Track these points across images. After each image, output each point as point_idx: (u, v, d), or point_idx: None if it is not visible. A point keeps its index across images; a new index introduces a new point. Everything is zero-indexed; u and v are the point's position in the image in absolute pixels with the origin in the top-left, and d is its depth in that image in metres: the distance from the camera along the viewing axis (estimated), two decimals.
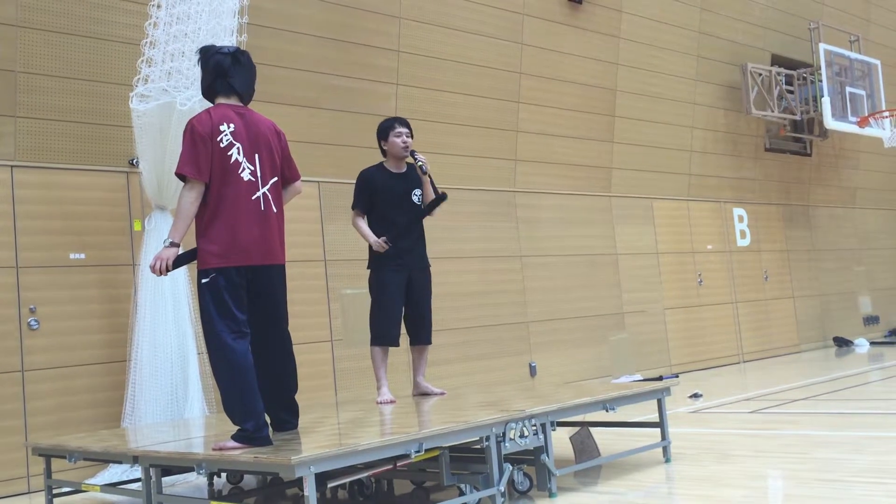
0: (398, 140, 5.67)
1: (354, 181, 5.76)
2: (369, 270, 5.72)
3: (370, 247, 5.66)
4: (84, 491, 5.21)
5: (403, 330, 5.75)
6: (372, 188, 5.66)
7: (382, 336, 5.65)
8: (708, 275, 11.96)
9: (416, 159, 5.62)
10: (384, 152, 5.77)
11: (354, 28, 8.28)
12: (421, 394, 5.88)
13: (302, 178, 4.58)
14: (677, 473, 4.91)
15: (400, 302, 5.67)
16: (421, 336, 5.79)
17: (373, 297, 5.70)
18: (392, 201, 5.66)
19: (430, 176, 5.67)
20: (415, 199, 5.69)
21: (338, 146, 8.11)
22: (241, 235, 4.11)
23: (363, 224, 5.68)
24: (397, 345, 5.69)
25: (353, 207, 5.72)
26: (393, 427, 4.50)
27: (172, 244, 4.10)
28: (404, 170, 5.74)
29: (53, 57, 6.49)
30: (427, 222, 5.88)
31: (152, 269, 4.10)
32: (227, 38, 6.24)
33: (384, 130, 5.74)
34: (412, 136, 5.76)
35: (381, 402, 5.62)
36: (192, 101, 6.02)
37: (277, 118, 4.79)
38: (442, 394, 5.86)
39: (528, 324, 9.59)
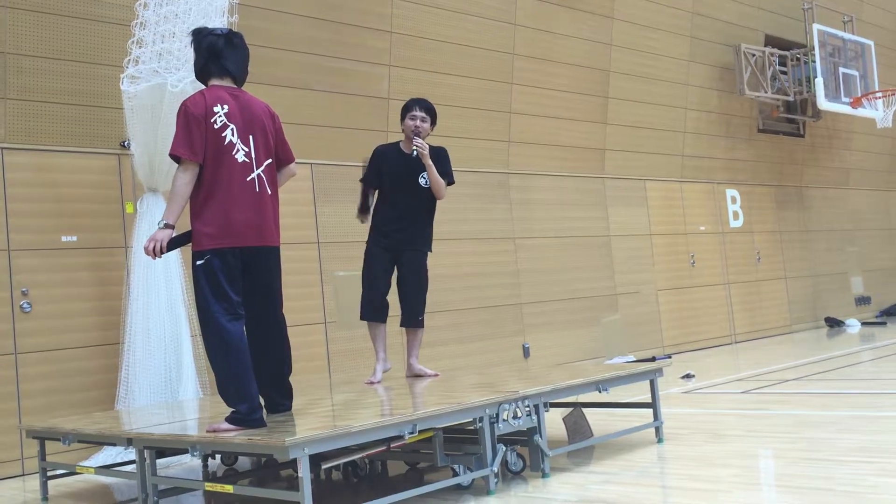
0: (411, 123, 5.69)
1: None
2: (365, 245, 5.82)
3: (371, 223, 5.78)
4: (78, 473, 5.23)
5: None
6: (380, 164, 5.71)
7: (363, 311, 5.73)
8: (700, 256, 11.99)
9: (413, 143, 5.60)
10: (403, 131, 5.80)
11: (346, 9, 8.22)
12: (414, 375, 5.90)
13: (295, 161, 4.57)
14: (669, 453, 4.95)
15: (381, 279, 5.70)
16: (409, 318, 5.80)
17: (362, 272, 5.80)
18: (397, 180, 5.68)
19: (445, 164, 5.71)
20: (422, 182, 5.67)
21: (330, 128, 8.08)
22: (235, 217, 4.09)
23: (363, 191, 5.78)
24: (376, 320, 5.72)
25: (361, 181, 5.82)
26: (386, 409, 4.52)
27: (167, 226, 4.09)
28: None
29: (43, 38, 6.44)
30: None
31: (146, 250, 4.09)
32: (217, 19, 6.20)
33: (403, 110, 5.78)
34: (433, 122, 5.76)
35: (366, 383, 5.69)
36: (184, 83, 5.99)
37: (269, 99, 4.77)
38: (435, 375, 5.88)
39: (521, 305, 9.61)
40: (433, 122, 5.76)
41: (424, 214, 5.76)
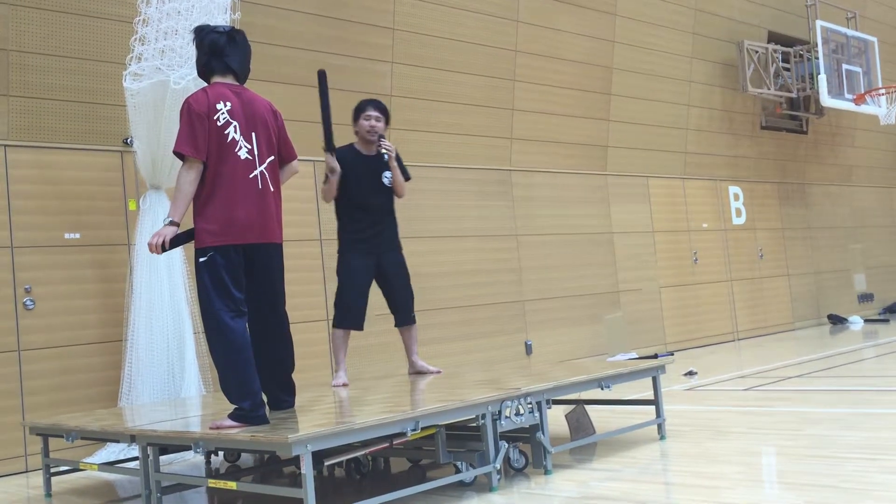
0: (366, 123, 5.64)
1: None
2: (338, 254, 5.69)
3: (339, 230, 5.67)
4: (82, 470, 5.23)
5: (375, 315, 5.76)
6: (343, 166, 5.58)
7: (343, 319, 5.63)
8: (703, 253, 11.98)
9: (380, 146, 5.56)
10: (356, 133, 5.72)
11: (349, 5, 8.22)
12: (417, 372, 5.90)
13: (298, 158, 4.57)
14: (672, 450, 4.95)
15: (365, 286, 5.64)
16: (403, 317, 5.78)
17: (339, 280, 5.67)
18: (362, 183, 5.61)
19: (398, 161, 5.64)
20: (385, 181, 5.65)
21: (333, 125, 8.05)
22: (238, 213, 4.10)
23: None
24: (361, 329, 5.68)
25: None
26: (389, 405, 4.52)
27: (172, 223, 4.09)
28: (374, 153, 5.68)
29: (46, 35, 6.44)
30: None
31: (150, 245, 4.09)
32: (220, 16, 6.20)
33: (356, 112, 5.71)
34: (387, 122, 5.71)
35: (335, 386, 5.65)
36: (186, 80, 5.99)
37: (271, 96, 4.77)
38: (438, 372, 5.88)
39: (523, 302, 9.61)
40: (387, 121, 5.72)
41: (392, 213, 5.76)
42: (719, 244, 12.30)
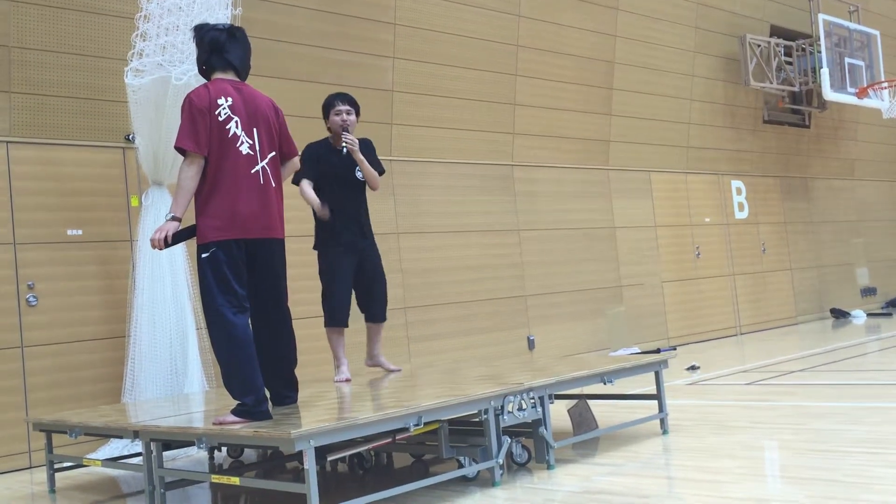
0: (337, 119, 5.55)
1: None
2: (316, 252, 5.65)
3: (316, 225, 5.62)
4: (85, 465, 5.25)
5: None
6: (317, 162, 5.54)
7: (334, 318, 5.62)
8: (706, 247, 11.98)
9: (343, 139, 5.47)
10: (328, 129, 5.67)
11: (350, 1, 8.21)
12: (374, 365, 5.92)
13: (299, 155, 4.57)
14: (674, 445, 4.95)
15: (349, 284, 5.62)
16: (377, 313, 5.75)
17: (323, 281, 5.63)
18: (339, 178, 5.56)
19: (371, 154, 5.58)
20: (359, 176, 5.60)
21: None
22: (240, 208, 4.10)
23: (309, 188, 5.48)
24: (346, 325, 5.67)
25: (302, 177, 5.48)
26: (392, 401, 4.53)
27: (174, 218, 4.10)
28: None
29: (47, 31, 6.44)
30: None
31: (153, 241, 4.10)
32: (221, 11, 6.19)
33: (325, 107, 5.64)
34: (357, 114, 5.64)
35: (337, 381, 5.66)
36: (188, 76, 5.99)
37: (273, 93, 4.77)
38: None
39: (526, 297, 9.61)
40: (358, 114, 5.65)
41: (366, 207, 5.71)
42: (722, 239, 12.29)
